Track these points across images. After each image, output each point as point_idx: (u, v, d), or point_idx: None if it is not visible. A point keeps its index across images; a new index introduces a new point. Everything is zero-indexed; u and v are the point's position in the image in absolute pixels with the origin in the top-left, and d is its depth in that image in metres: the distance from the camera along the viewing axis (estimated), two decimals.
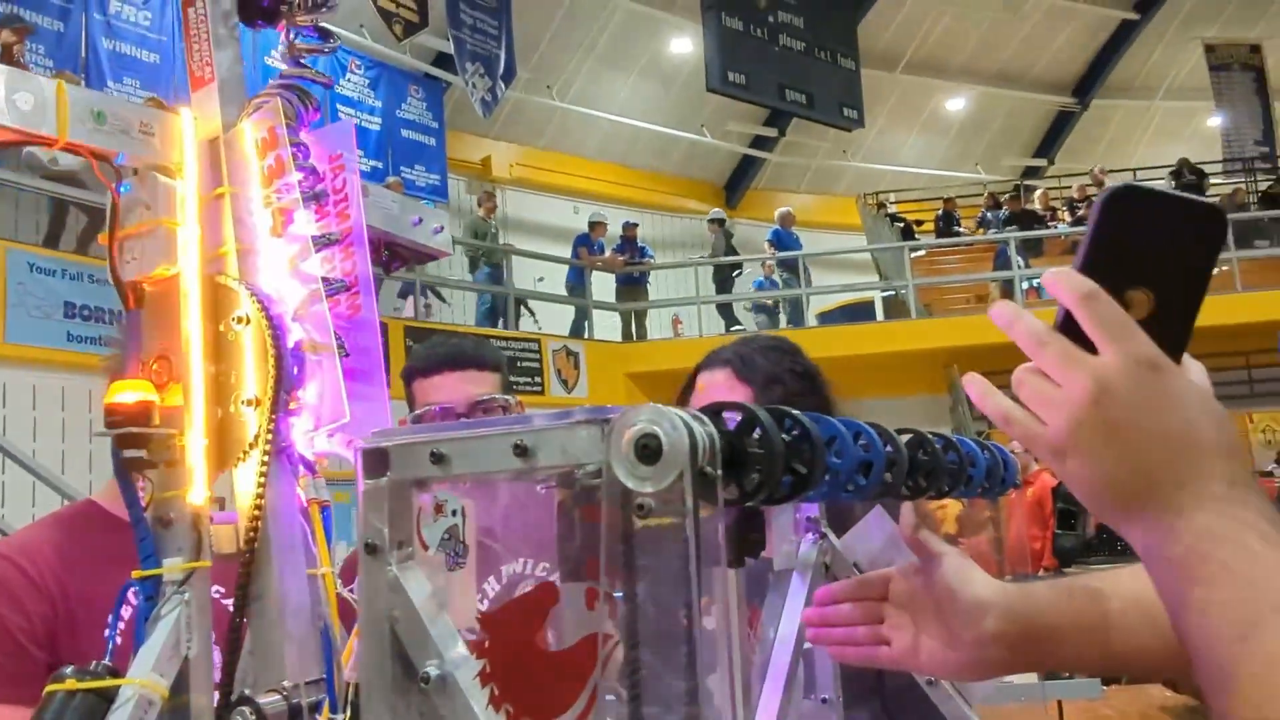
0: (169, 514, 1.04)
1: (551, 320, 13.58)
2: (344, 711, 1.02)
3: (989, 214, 16.83)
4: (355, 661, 1.04)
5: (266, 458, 1.04)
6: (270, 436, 1.05)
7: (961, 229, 16.86)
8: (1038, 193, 17.19)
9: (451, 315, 12.96)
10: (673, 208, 18.20)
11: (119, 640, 1.61)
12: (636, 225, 14.90)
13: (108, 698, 0.96)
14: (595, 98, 16.89)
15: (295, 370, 1.08)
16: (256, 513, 1.03)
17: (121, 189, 1.09)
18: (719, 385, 1.67)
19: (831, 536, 1.18)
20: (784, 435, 0.61)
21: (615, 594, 0.54)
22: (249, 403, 1.06)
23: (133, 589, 1.05)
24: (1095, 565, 7.65)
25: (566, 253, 14.24)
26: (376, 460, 0.67)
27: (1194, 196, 0.71)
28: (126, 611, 1.61)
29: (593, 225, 14.22)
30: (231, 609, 1.03)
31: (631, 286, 14.41)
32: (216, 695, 0.99)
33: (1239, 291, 13.18)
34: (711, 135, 17.93)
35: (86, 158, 1.06)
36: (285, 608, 1.04)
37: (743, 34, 14.03)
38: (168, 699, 0.97)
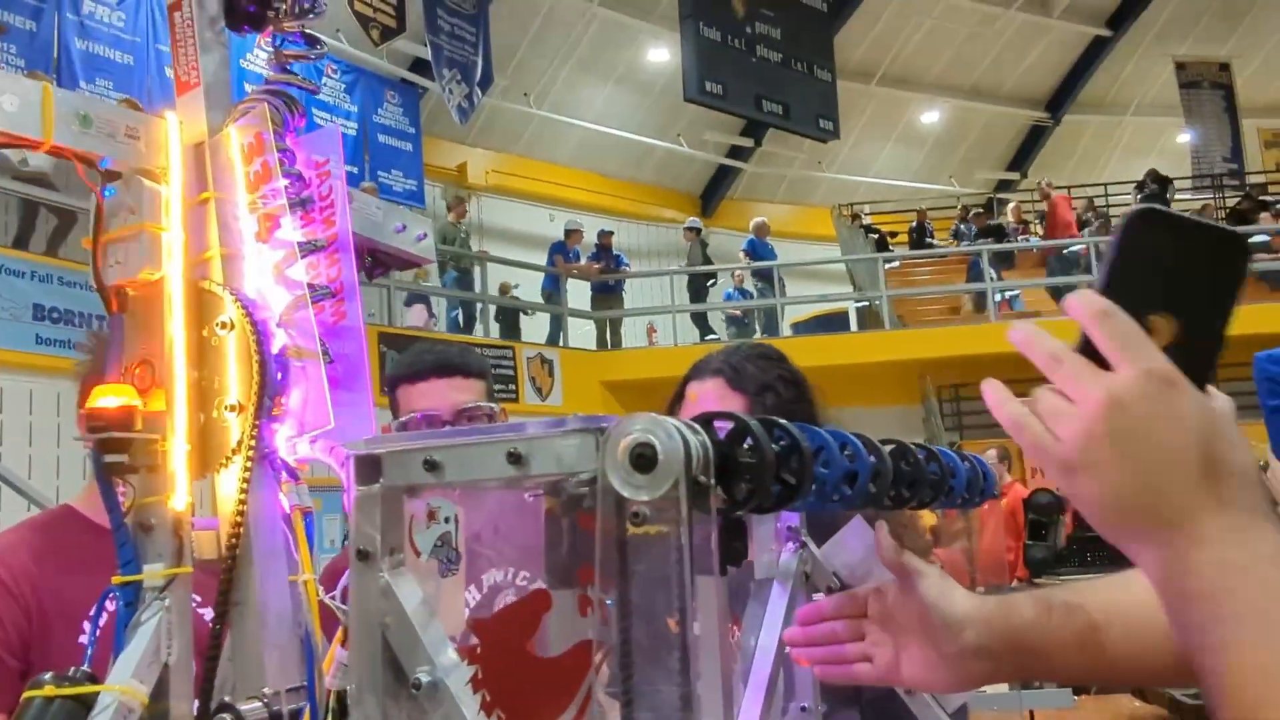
0: (150, 519, 1.03)
1: (526, 328, 13.58)
2: (325, 718, 1.02)
3: (962, 226, 16.97)
4: (336, 668, 1.04)
5: (249, 464, 1.04)
6: (253, 442, 1.04)
7: (935, 241, 16.99)
8: (1010, 205, 17.35)
9: (403, 320, 12.90)
10: (648, 216, 18.23)
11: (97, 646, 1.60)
12: (612, 233, 14.91)
13: (86, 704, 0.96)
14: (572, 106, 16.90)
15: (279, 376, 1.08)
16: (238, 519, 1.03)
17: (106, 193, 1.09)
18: (711, 395, 1.68)
19: (812, 546, 1.18)
20: (774, 445, 0.62)
21: (609, 601, 0.54)
22: (232, 408, 1.05)
23: (111, 595, 1.04)
24: (1066, 575, 7.71)
25: (542, 260, 14.23)
26: (369, 467, 0.67)
27: (1215, 223, 0.70)
28: (104, 618, 1.60)
29: (568, 233, 14.22)
30: (209, 618, 1.02)
31: (607, 295, 14.42)
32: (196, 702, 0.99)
33: None
34: (688, 145, 17.98)
35: (71, 161, 1.06)
36: (266, 614, 1.03)
37: (720, 44, 14.09)
38: (147, 706, 0.97)
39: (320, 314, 1.12)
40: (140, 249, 1.07)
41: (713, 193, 19.35)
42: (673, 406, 1.73)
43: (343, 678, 1.01)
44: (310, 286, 1.12)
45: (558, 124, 16.80)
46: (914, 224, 17.01)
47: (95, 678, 0.98)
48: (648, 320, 15.44)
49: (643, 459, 0.55)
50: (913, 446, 0.87)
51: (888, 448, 0.82)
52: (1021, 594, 1.06)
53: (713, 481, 0.57)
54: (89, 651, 1.09)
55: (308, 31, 1.23)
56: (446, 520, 0.82)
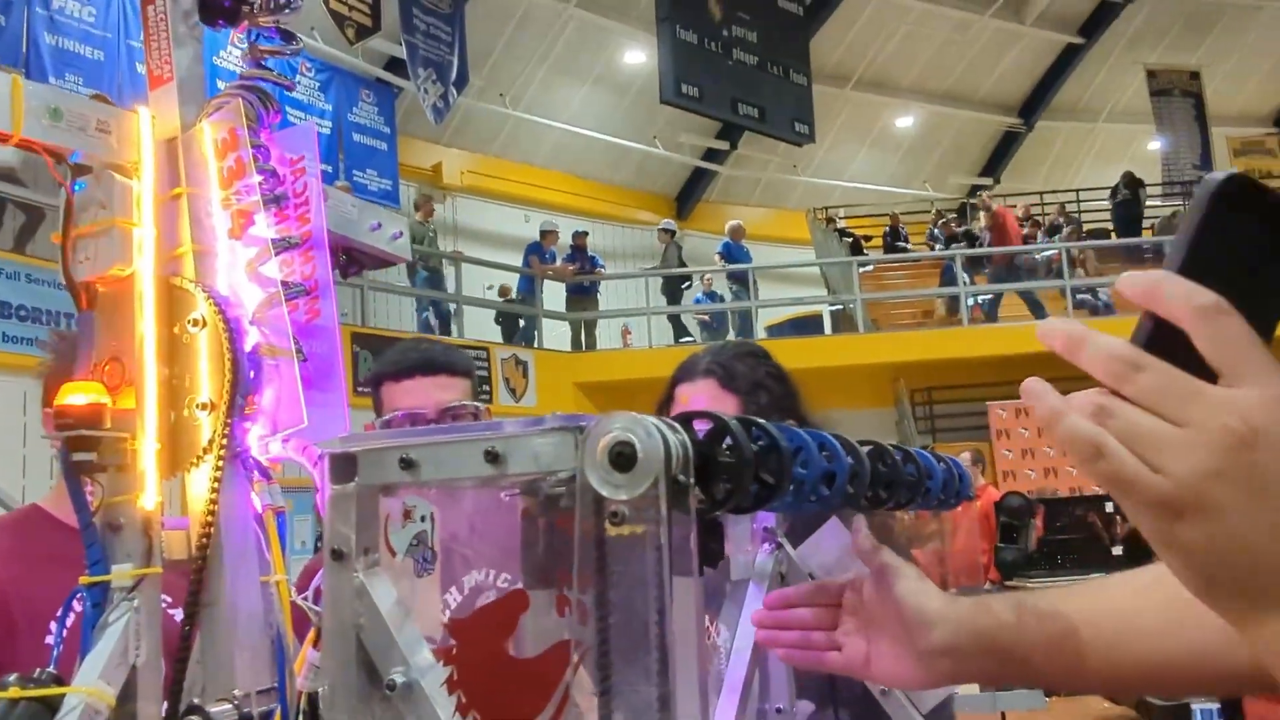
0: (119, 519, 1.02)
1: (495, 329, 13.57)
2: None
3: (936, 231, 17.08)
4: (308, 670, 1.03)
5: (221, 463, 1.02)
6: (225, 441, 1.03)
7: (909, 245, 17.09)
8: (983, 211, 17.48)
9: (388, 321, 12.86)
10: (624, 218, 18.24)
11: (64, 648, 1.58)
12: (587, 234, 14.90)
13: (52, 706, 0.94)
14: (548, 107, 16.88)
15: (252, 374, 1.07)
16: (209, 518, 1.02)
17: (76, 187, 1.07)
18: (703, 397, 1.68)
19: (788, 546, 1.19)
20: (753, 445, 0.62)
21: (587, 601, 0.54)
22: (203, 406, 1.04)
23: (79, 595, 1.03)
24: (1036, 577, 7.78)
25: (517, 261, 14.21)
26: (344, 465, 0.66)
27: None
28: (70, 618, 1.58)
29: (544, 234, 14.20)
30: (179, 619, 1.01)
31: (582, 296, 14.40)
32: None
33: None
34: (663, 147, 18.00)
35: (41, 154, 1.04)
36: (237, 615, 1.02)
37: (697, 47, 14.10)
38: (115, 708, 0.95)
39: (294, 312, 1.11)
40: (110, 244, 1.06)
41: (688, 195, 19.38)
42: (662, 409, 1.72)
43: (314, 679, 1.00)
44: (284, 284, 1.11)
45: (533, 125, 16.77)
46: (888, 228, 17.10)
47: (61, 679, 0.96)
48: (622, 322, 15.44)
49: (622, 458, 0.54)
50: (890, 448, 0.87)
51: (865, 449, 0.82)
52: (997, 596, 1.06)
53: (692, 481, 0.56)
54: (55, 652, 1.07)
55: (283, 27, 1.22)
56: (423, 519, 0.81)
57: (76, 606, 1.04)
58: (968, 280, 14.80)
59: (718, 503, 0.61)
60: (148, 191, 1.09)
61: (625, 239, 18.23)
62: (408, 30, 12.95)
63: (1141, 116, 19.69)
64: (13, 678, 0.95)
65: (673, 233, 15.50)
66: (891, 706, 1.16)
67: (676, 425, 0.58)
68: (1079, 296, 14.29)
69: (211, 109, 1.13)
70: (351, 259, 1.38)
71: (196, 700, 0.97)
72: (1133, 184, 17.28)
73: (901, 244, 16.89)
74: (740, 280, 14.86)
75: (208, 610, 1.01)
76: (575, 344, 14.19)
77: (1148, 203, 18.06)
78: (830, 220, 18.11)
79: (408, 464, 0.63)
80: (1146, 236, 16.64)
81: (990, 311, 14.64)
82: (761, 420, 0.66)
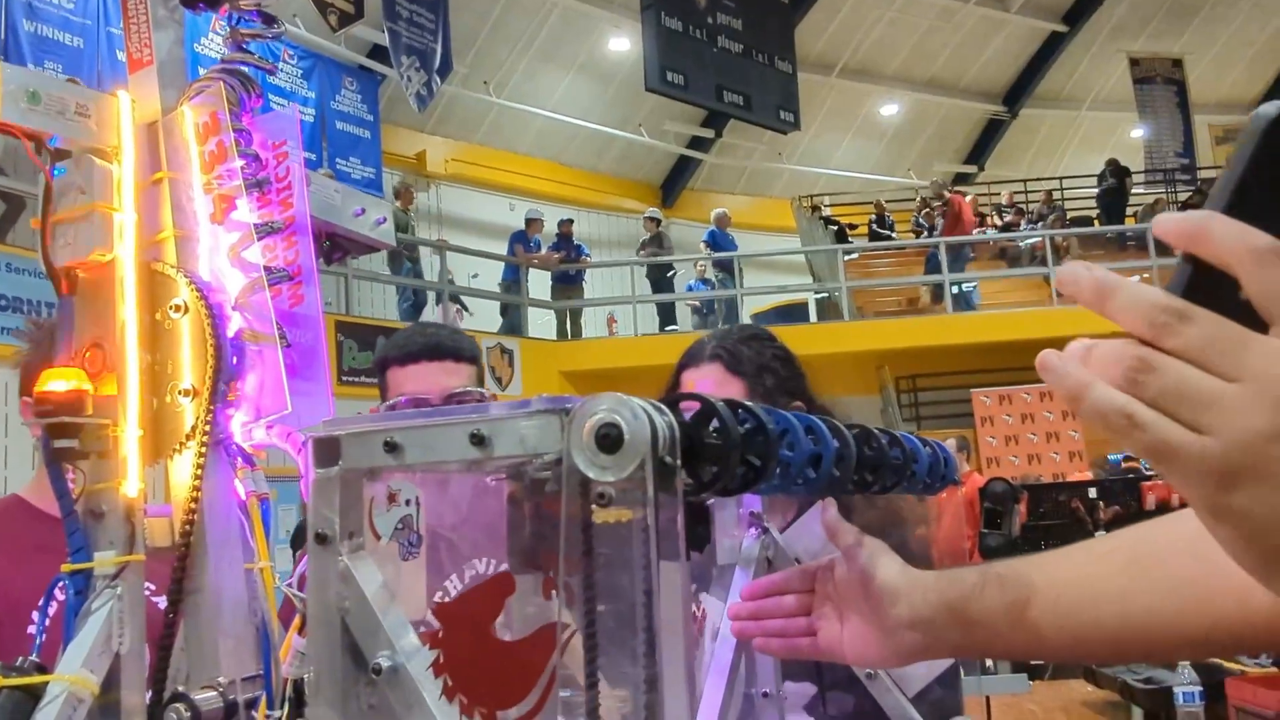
0: (101, 506, 1.01)
1: (485, 317, 13.53)
2: (281, 708, 1.00)
3: (921, 219, 17.11)
4: (293, 657, 1.03)
5: (204, 449, 1.02)
6: (208, 428, 1.02)
7: (894, 233, 17.12)
8: (968, 199, 17.52)
9: (372, 310, 12.82)
10: (609, 206, 18.21)
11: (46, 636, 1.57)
12: (572, 222, 14.88)
13: (35, 695, 0.94)
14: (532, 94, 16.82)
15: (234, 360, 1.06)
16: (192, 505, 1.01)
17: (55, 172, 1.06)
18: (709, 381, 1.68)
19: (774, 531, 1.19)
20: (739, 427, 0.62)
21: (574, 583, 0.54)
22: (186, 393, 1.03)
23: (61, 583, 1.02)
24: None
25: (502, 249, 14.17)
26: (328, 449, 0.66)
27: None
28: (53, 607, 1.57)
29: (529, 222, 14.17)
30: (162, 606, 1.01)
31: (567, 285, 14.38)
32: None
33: None
34: (648, 135, 17.97)
35: (19, 138, 1.03)
36: (221, 603, 1.02)
37: (682, 34, 14.08)
38: (98, 696, 0.95)
39: (277, 297, 1.10)
40: (91, 230, 1.05)
41: (673, 183, 19.36)
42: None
43: (299, 666, 1.00)
44: (267, 269, 1.10)
45: (518, 113, 16.71)
46: (873, 216, 17.12)
47: (44, 668, 0.96)
48: (608, 311, 15.44)
49: (608, 439, 0.54)
50: (876, 431, 0.87)
51: (851, 432, 0.82)
52: (966, 568, 1.05)
53: (679, 462, 0.56)
54: (38, 641, 1.06)
55: (264, 10, 1.20)
56: (408, 503, 0.81)
57: (59, 595, 1.03)
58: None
59: (704, 484, 0.61)
60: (128, 176, 1.08)
61: (610, 227, 18.20)
62: (390, 17, 12.87)
63: (1125, 104, 19.76)
64: None
65: (658, 220, 15.49)
66: (878, 690, 1.17)
67: (663, 407, 0.58)
68: None
69: (193, 93, 1.12)
70: (335, 245, 1.37)
71: (181, 688, 0.97)
72: (1118, 172, 17.36)
73: (886, 232, 16.92)
74: (726, 268, 14.86)
75: (192, 597, 1.00)
76: (561, 333, 14.18)
77: (1132, 190, 18.15)
78: (815, 208, 18.13)
79: (392, 447, 0.62)
80: (1129, 224, 16.74)
81: (967, 300, 14.68)
82: (747, 403, 0.65)
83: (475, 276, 13.92)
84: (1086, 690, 3.51)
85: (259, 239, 1.10)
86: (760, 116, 15.29)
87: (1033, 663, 5.16)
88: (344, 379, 9.57)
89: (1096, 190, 17.59)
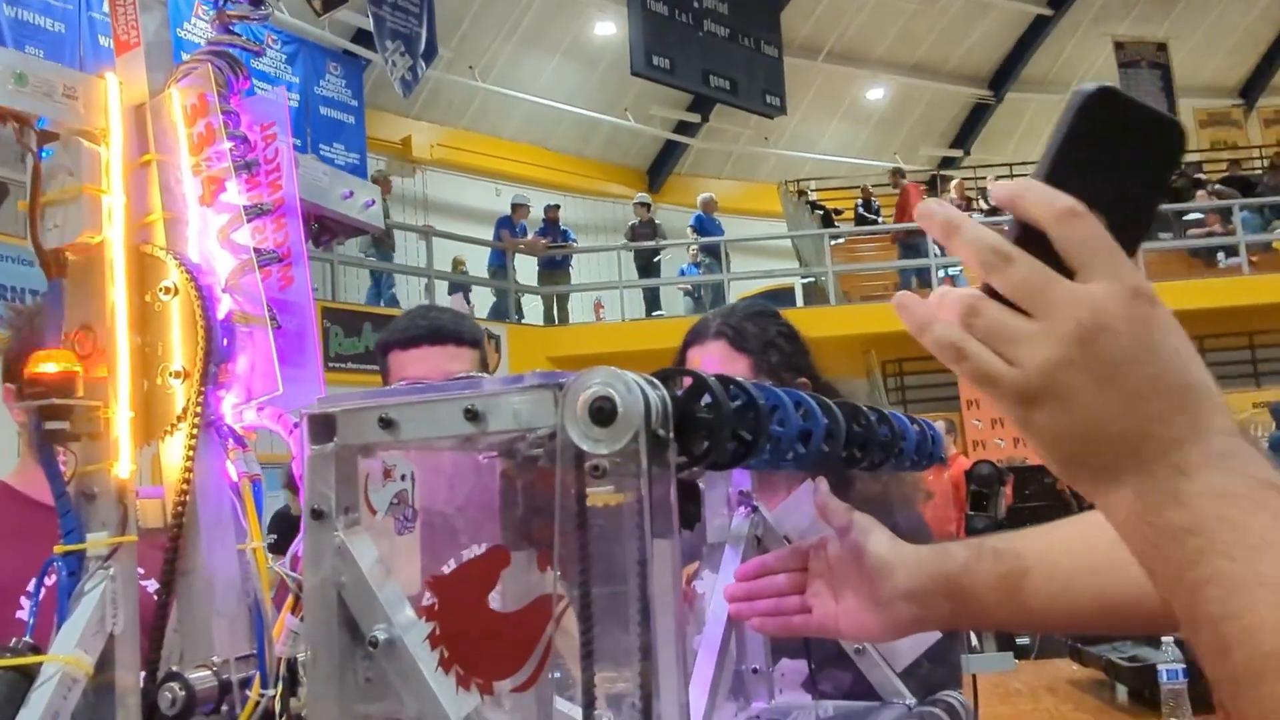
0: (93, 488, 1.02)
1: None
2: (275, 686, 1.01)
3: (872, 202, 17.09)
4: (286, 636, 1.03)
5: (195, 431, 1.02)
6: (199, 409, 1.03)
7: (880, 218, 17.14)
8: (953, 183, 17.56)
9: (359, 295, 12.77)
10: (595, 192, 18.17)
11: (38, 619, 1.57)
12: (559, 207, 14.85)
13: (29, 675, 0.94)
14: (518, 79, 16.75)
15: (225, 342, 1.06)
16: (184, 486, 1.01)
17: (43, 154, 1.06)
18: (715, 358, 1.69)
19: (763, 510, 1.20)
20: (730, 402, 0.62)
21: (568, 555, 0.54)
22: (177, 375, 1.04)
23: (52, 566, 1.02)
24: None
25: (488, 235, 14.14)
26: (323, 426, 0.66)
27: (1162, 111, 0.63)
28: (43, 591, 1.57)
29: (515, 208, 14.13)
30: (152, 590, 1.01)
31: (554, 270, 14.36)
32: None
33: None
34: (635, 119, 17.92)
35: (6, 121, 1.03)
36: (214, 583, 1.02)
37: (668, 19, 14.04)
38: (92, 676, 0.95)
39: (267, 279, 1.10)
40: (80, 212, 1.05)
41: (660, 168, 19.32)
42: None
43: (293, 645, 1.00)
44: (256, 251, 1.10)
45: (503, 97, 16.65)
46: (859, 200, 17.13)
47: (38, 648, 0.96)
48: (595, 296, 15.43)
49: (602, 412, 0.55)
50: (865, 409, 0.88)
51: (840, 409, 0.83)
52: (955, 543, 1.07)
53: (671, 435, 0.57)
54: (31, 623, 1.06)
55: None
56: (403, 478, 0.82)
57: (49, 580, 1.03)
58: (939, 252, 14.86)
59: (696, 458, 0.61)
60: (116, 158, 1.07)
61: (597, 212, 18.17)
62: (375, 2, 12.79)
63: None
64: None
65: (648, 205, 15.47)
66: (866, 665, 1.18)
67: (656, 381, 0.59)
68: None
69: (180, 74, 1.12)
70: (324, 227, 1.37)
71: (175, 667, 0.97)
72: None
73: (873, 216, 16.94)
74: (712, 253, 14.86)
75: (185, 578, 1.01)
76: (548, 318, 14.16)
77: None
78: (802, 193, 18.12)
79: (387, 423, 0.63)
80: None
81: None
82: (738, 378, 0.66)
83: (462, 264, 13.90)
84: (1072, 669, 3.54)
85: (248, 221, 1.10)
86: (746, 101, 15.28)
87: (1019, 642, 5.20)
88: (330, 365, 9.56)
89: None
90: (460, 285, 13.06)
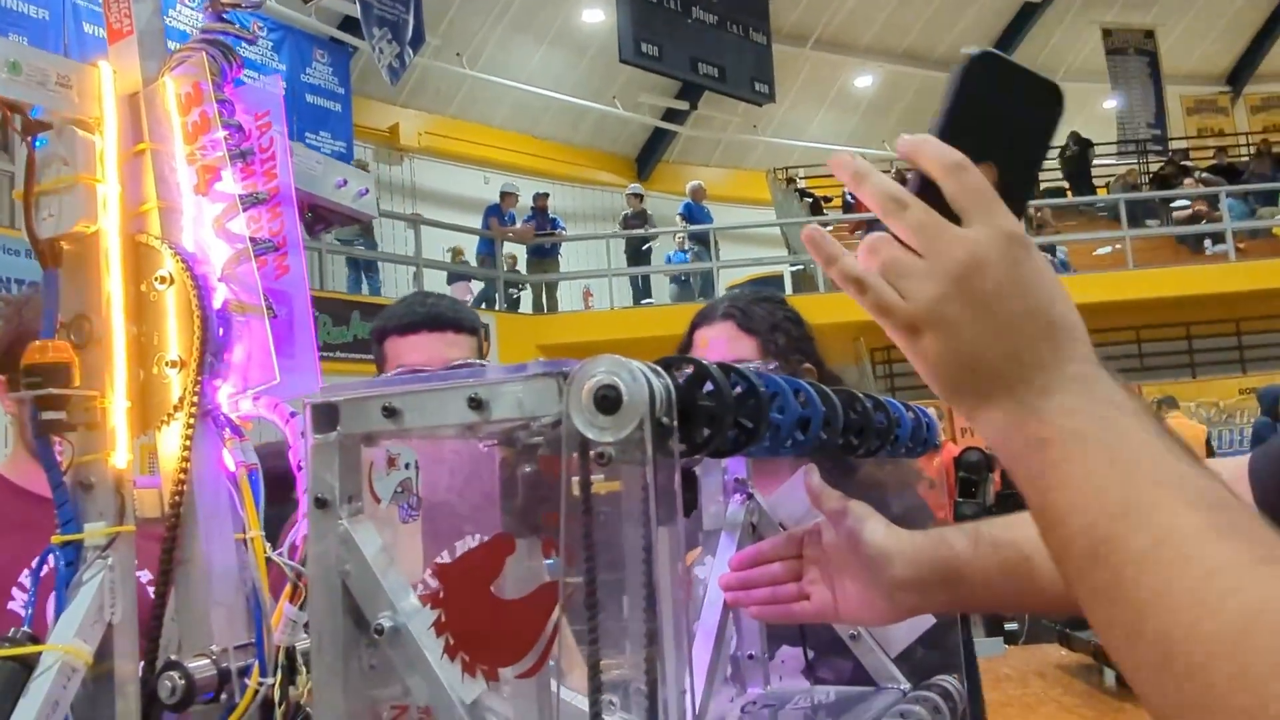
0: (90, 478, 1.01)
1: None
2: (274, 675, 1.01)
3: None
4: (285, 625, 1.04)
5: (192, 420, 1.02)
6: (195, 399, 1.03)
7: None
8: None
9: (335, 284, 12.73)
10: (584, 179, 18.14)
11: (23, 610, 1.57)
12: (547, 196, 14.82)
13: (28, 665, 0.94)
14: (505, 67, 16.69)
15: (221, 331, 1.06)
16: (182, 476, 1.01)
17: (37, 143, 1.06)
18: (722, 339, 1.69)
19: (758, 497, 1.20)
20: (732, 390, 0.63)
21: (574, 542, 0.55)
22: (173, 364, 1.04)
23: (49, 556, 1.02)
24: None
25: (477, 223, 14.11)
26: (326, 415, 0.66)
27: (1041, 74, 0.71)
28: (29, 580, 1.57)
29: (504, 196, 14.11)
30: (145, 581, 1.01)
31: (543, 258, 14.34)
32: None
33: (1131, 269, 13.71)
34: (623, 107, 17.88)
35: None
36: (212, 572, 1.02)
37: (656, 5, 14.00)
38: (91, 666, 0.96)
39: (263, 268, 1.10)
40: (74, 201, 1.04)
41: (648, 156, 19.30)
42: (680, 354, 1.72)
43: (291, 634, 1.01)
44: (252, 240, 1.10)
45: (491, 85, 16.59)
46: (848, 188, 17.14)
47: (36, 638, 0.96)
48: (584, 284, 15.42)
49: (607, 400, 0.55)
50: (861, 395, 0.89)
51: (837, 396, 0.84)
52: (952, 528, 1.08)
53: (675, 423, 0.57)
54: (29, 612, 1.07)
55: None
56: (407, 466, 0.82)
57: (31, 567, 1.03)
58: None
59: (698, 446, 0.62)
60: (111, 147, 1.07)
61: (586, 200, 18.14)
62: None
63: (1097, 75, 19.82)
64: None
65: (640, 196, 15.47)
66: (861, 651, 1.19)
67: (660, 369, 0.59)
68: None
69: (174, 63, 1.11)
70: (318, 216, 1.37)
71: (174, 656, 0.97)
72: (1080, 142, 17.52)
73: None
74: (701, 241, 14.86)
75: (183, 568, 1.01)
76: (537, 307, 14.15)
77: (1104, 161, 18.27)
78: (790, 180, 18.13)
79: (390, 412, 0.63)
80: (1101, 195, 16.85)
81: None
82: (738, 366, 0.67)
83: (450, 251, 13.86)
84: (1060, 653, 3.58)
85: (244, 210, 1.10)
86: (735, 88, 15.26)
87: (1007, 627, 5.24)
88: (319, 355, 9.52)
89: (1062, 159, 17.75)
90: (460, 275, 13.02)
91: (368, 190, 1.40)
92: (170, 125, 1.09)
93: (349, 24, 13.87)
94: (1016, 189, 0.69)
